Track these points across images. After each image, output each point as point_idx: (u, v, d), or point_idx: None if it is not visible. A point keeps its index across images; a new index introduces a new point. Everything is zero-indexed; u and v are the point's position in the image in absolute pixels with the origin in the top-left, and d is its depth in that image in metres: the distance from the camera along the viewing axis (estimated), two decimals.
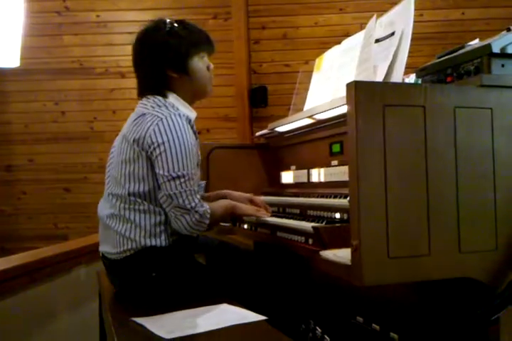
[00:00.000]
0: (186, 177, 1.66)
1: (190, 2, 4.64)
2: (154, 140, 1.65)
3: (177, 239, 1.75)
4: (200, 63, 1.85)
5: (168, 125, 1.66)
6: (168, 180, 1.65)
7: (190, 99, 1.86)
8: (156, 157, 1.65)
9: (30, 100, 4.68)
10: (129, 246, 1.71)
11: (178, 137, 1.65)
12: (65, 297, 2.33)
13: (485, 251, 1.29)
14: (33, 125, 4.68)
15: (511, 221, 1.30)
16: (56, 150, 4.67)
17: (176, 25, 1.81)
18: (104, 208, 1.81)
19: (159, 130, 1.65)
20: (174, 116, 1.69)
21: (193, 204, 1.66)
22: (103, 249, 1.82)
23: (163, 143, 1.64)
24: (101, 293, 2.03)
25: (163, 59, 1.78)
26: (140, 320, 1.48)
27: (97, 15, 4.67)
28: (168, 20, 1.82)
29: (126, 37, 4.56)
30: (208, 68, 1.88)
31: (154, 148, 1.65)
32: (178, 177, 1.64)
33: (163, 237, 1.72)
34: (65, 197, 4.65)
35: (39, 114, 4.68)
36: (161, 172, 1.65)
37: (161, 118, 1.67)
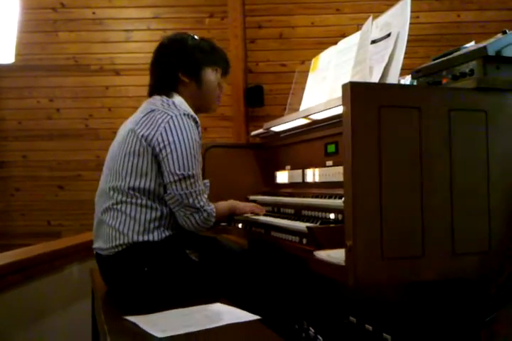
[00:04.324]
0: (196, 178, 1.73)
1: (187, 0, 4.62)
2: (165, 138, 1.70)
3: (169, 235, 1.78)
4: (213, 76, 1.92)
5: (179, 124, 1.71)
6: (179, 180, 1.70)
7: (193, 110, 1.87)
8: (166, 155, 1.70)
9: (25, 97, 4.65)
10: (121, 241, 1.72)
11: (187, 137, 1.71)
12: (58, 295, 2.32)
13: (478, 253, 1.29)
14: (27, 122, 4.65)
15: (505, 222, 1.31)
16: (50, 148, 4.64)
17: (200, 39, 1.94)
18: (101, 203, 1.82)
19: (170, 129, 1.70)
20: (184, 115, 1.74)
21: (201, 204, 1.74)
22: (96, 245, 1.83)
23: (173, 142, 1.69)
24: (94, 291, 2.03)
25: (178, 62, 1.87)
26: (133, 319, 1.48)
27: (93, 12, 4.65)
28: (195, 36, 1.95)
29: (121, 34, 4.54)
30: (218, 85, 1.95)
31: (164, 146, 1.70)
32: (189, 177, 1.71)
33: (155, 233, 1.74)
34: (59, 195, 4.63)
35: (33, 110, 4.65)
36: (171, 170, 1.70)
37: (171, 117, 1.73)
